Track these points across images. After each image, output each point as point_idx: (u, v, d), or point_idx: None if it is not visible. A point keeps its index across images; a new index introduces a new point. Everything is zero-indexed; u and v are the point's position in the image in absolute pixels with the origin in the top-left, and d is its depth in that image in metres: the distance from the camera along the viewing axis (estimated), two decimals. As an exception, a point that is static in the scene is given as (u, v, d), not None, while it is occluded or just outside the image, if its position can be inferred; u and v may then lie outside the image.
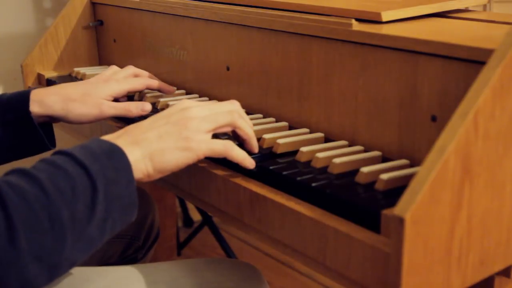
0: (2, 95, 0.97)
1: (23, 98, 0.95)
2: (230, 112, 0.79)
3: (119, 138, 0.72)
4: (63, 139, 1.50)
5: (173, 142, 0.73)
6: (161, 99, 1.07)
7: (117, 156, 0.69)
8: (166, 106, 1.04)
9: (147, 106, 0.98)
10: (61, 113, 0.95)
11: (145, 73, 1.10)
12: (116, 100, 1.01)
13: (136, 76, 1.09)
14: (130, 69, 1.08)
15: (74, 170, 0.65)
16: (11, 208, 0.58)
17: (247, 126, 0.81)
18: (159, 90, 1.09)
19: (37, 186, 0.61)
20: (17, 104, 0.94)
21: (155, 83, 1.06)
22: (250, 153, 0.81)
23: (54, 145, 1.00)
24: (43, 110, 0.95)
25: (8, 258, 0.58)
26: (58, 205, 0.61)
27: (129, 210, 0.69)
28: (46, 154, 0.99)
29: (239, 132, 0.81)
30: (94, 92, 0.97)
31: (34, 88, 0.98)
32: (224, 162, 0.85)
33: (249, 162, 0.79)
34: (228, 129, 0.80)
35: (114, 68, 1.08)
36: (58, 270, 0.62)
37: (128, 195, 0.68)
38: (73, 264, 0.64)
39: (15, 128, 0.95)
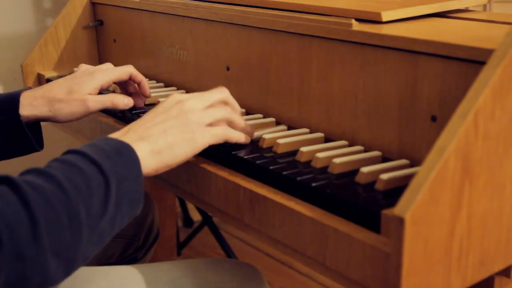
0: None
1: (13, 101, 0.97)
2: (225, 108, 0.83)
3: (125, 135, 0.74)
4: (65, 140, 1.50)
5: (179, 135, 0.76)
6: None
7: (126, 152, 0.70)
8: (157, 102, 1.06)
9: (130, 101, 1.00)
10: (49, 114, 0.97)
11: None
12: (101, 92, 1.01)
13: None
14: (110, 65, 1.08)
15: (87, 167, 0.66)
16: (33, 206, 0.60)
17: (240, 119, 0.86)
18: (138, 84, 1.06)
19: (55, 184, 0.63)
20: (7, 107, 0.96)
21: (138, 73, 1.04)
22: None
23: (42, 146, 1.01)
24: (32, 113, 0.97)
25: (32, 254, 0.59)
26: (76, 202, 0.63)
27: (136, 204, 0.71)
28: (34, 156, 1.01)
29: (233, 126, 0.85)
30: (79, 89, 0.97)
31: (24, 90, 0.99)
32: (224, 162, 0.85)
33: (244, 139, 0.85)
34: (223, 123, 0.83)
35: (85, 66, 1.07)
36: (74, 265, 0.64)
37: (136, 191, 0.70)
38: (86, 259, 0.66)
39: (4, 130, 0.96)
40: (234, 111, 0.85)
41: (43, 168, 0.65)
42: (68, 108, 0.97)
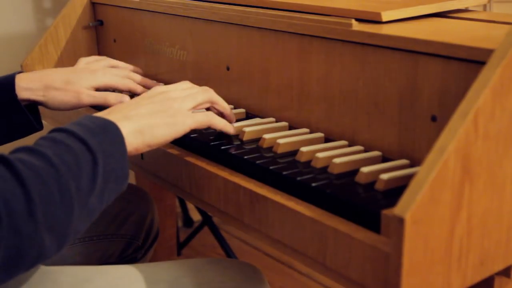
0: None
1: (8, 82, 0.98)
2: (206, 90, 0.87)
3: (110, 114, 0.76)
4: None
5: (161, 118, 0.79)
6: None
7: (112, 130, 0.72)
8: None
9: (125, 98, 1.00)
10: (41, 99, 0.99)
11: (123, 64, 1.13)
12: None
13: (112, 67, 1.10)
14: (110, 61, 1.11)
15: (75, 145, 0.68)
16: (28, 183, 0.61)
17: (222, 100, 0.90)
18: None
19: (46, 161, 0.64)
20: (3, 89, 0.97)
21: (138, 88, 1.06)
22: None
23: (41, 127, 1.03)
24: (26, 95, 0.99)
25: (28, 230, 0.61)
26: (67, 178, 0.64)
27: (122, 181, 0.72)
28: (35, 136, 1.01)
29: (216, 106, 0.90)
30: (77, 82, 1.00)
31: (19, 72, 1.00)
32: (224, 162, 0.85)
33: (230, 128, 0.89)
34: (207, 105, 0.88)
35: (85, 60, 1.11)
36: (66, 239, 0.66)
37: (122, 167, 0.71)
38: (77, 234, 0.68)
39: (3, 113, 0.98)
40: (218, 99, 0.88)
41: (33, 146, 0.66)
42: (61, 97, 0.99)
